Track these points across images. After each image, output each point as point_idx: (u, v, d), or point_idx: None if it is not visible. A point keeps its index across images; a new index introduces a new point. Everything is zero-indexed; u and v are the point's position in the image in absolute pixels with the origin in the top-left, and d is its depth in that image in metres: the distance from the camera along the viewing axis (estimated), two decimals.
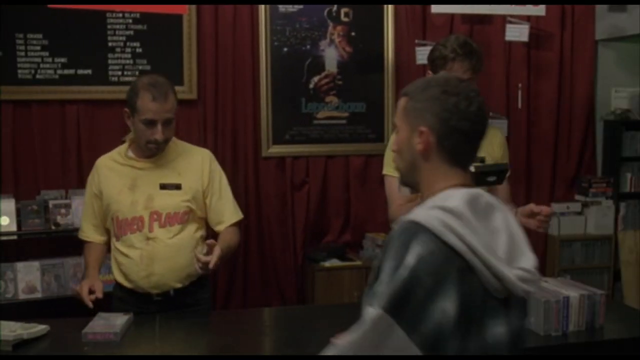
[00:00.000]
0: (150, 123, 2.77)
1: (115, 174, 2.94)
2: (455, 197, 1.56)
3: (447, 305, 1.45)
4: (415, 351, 1.43)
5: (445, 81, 1.70)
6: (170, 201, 2.87)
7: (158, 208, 2.86)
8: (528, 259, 1.60)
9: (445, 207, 1.52)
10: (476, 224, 1.52)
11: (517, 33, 4.75)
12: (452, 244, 1.48)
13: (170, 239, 2.86)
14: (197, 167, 2.95)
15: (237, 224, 3.04)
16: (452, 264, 1.48)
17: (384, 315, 1.45)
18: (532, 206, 2.87)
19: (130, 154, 2.95)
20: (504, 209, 1.63)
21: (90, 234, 3.08)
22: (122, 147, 2.99)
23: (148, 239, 2.86)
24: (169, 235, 2.86)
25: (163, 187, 2.87)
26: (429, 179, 1.66)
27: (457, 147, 1.63)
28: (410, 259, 1.46)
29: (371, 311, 1.47)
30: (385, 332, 1.45)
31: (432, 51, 3.03)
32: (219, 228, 2.99)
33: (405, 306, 1.44)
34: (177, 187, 2.88)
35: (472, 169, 2.58)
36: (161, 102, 2.77)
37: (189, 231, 2.92)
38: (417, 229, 1.50)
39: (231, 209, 3.02)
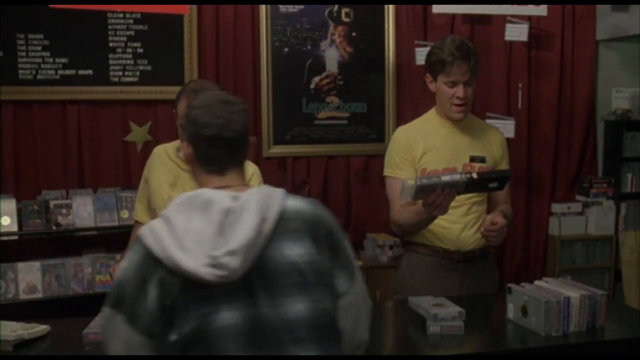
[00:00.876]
0: None
1: (162, 167, 2.96)
2: (173, 202, 1.76)
3: (151, 299, 1.65)
4: (140, 338, 1.66)
5: (196, 98, 1.94)
6: None
7: None
8: (234, 242, 1.67)
9: (161, 214, 1.74)
10: (182, 225, 1.69)
11: (517, 33, 4.74)
12: (150, 246, 1.68)
13: None
14: None
15: None
16: (151, 263, 1.67)
17: (109, 310, 1.72)
18: (492, 217, 2.90)
19: (181, 153, 2.95)
20: (228, 203, 1.72)
21: (141, 214, 3.11)
22: (177, 143, 2.99)
23: None
24: None
25: None
26: (199, 185, 1.88)
27: (207, 152, 1.83)
28: (123, 264, 1.75)
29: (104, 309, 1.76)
30: (112, 324, 1.71)
31: (429, 55, 3.01)
32: None
33: (122, 303, 1.69)
34: None
35: (474, 175, 2.60)
36: None
37: None
38: (138, 239, 1.73)
39: None
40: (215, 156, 1.83)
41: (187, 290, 1.66)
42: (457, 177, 2.61)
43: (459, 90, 2.92)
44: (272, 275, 1.68)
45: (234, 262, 1.65)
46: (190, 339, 1.64)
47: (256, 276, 1.68)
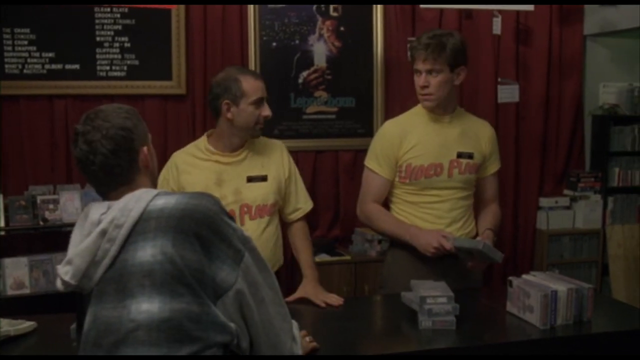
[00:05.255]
0: (260, 102, 2.85)
1: (197, 170, 2.92)
2: None
3: None
4: None
5: None
6: (258, 193, 2.91)
7: (248, 201, 2.89)
8: (72, 251, 1.77)
9: None
10: (72, 238, 1.80)
11: (495, 27, 4.75)
12: None
13: (260, 232, 2.89)
14: (278, 159, 3.01)
15: (307, 216, 3.14)
16: None
17: None
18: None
19: (212, 149, 2.94)
20: (99, 214, 1.75)
21: None
22: (200, 143, 2.98)
23: None
24: (259, 227, 2.90)
25: (250, 179, 2.91)
26: None
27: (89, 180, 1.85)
28: None
29: None
30: None
31: None
32: (294, 216, 3.06)
33: None
34: (264, 178, 2.93)
35: (482, 247, 2.74)
36: (261, 80, 2.88)
37: (274, 224, 2.98)
38: None
39: (306, 196, 3.11)
40: (95, 184, 1.84)
41: (80, 296, 1.78)
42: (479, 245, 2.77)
43: (420, 78, 2.95)
44: (124, 278, 1.68)
45: (70, 271, 1.72)
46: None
47: (110, 280, 1.70)
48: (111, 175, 1.80)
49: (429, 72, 2.93)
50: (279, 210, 3.05)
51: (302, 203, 3.07)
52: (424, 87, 2.95)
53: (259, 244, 2.82)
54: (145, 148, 1.85)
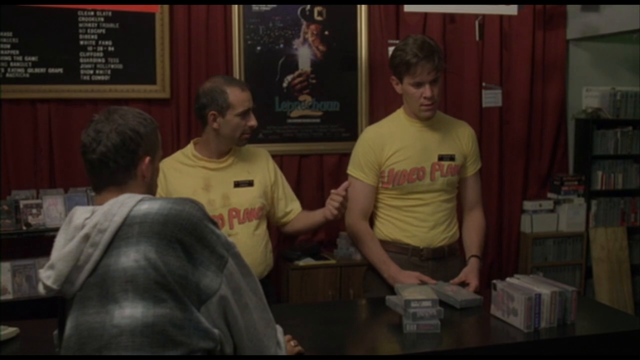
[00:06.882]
0: (246, 113, 2.89)
1: (185, 176, 2.94)
2: None
3: None
4: None
5: None
6: (245, 198, 2.94)
7: (236, 205, 2.93)
8: (54, 255, 1.77)
9: None
10: (56, 242, 1.80)
11: (478, 31, 4.76)
12: None
13: (249, 235, 2.92)
14: (263, 165, 3.06)
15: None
16: None
17: None
18: (465, 277, 3.02)
19: (199, 155, 2.97)
20: (83, 219, 1.76)
21: None
22: (187, 150, 3.02)
23: (229, 235, 2.86)
24: (249, 230, 2.93)
25: (237, 184, 2.96)
26: None
27: (87, 171, 1.88)
28: None
29: None
30: None
31: (392, 57, 3.00)
32: (287, 219, 3.11)
33: None
34: (250, 183, 2.98)
35: (457, 306, 2.71)
36: (248, 91, 2.91)
37: (262, 228, 3.01)
38: None
39: (294, 199, 3.17)
40: (90, 175, 1.86)
41: (60, 300, 1.79)
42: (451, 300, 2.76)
43: (426, 90, 2.91)
44: (107, 283, 1.68)
45: (52, 275, 1.72)
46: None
47: (93, 285, 1.70)
48: (105, 169, 1.82)
49: (431, 82, 2.91)
50: (268, 219, 3.08)
51: (291, 205, 3.13)
52: (431, 97, 2.94)
53: (250, 246, 2.85)
54: (147, 158, 1.86)
